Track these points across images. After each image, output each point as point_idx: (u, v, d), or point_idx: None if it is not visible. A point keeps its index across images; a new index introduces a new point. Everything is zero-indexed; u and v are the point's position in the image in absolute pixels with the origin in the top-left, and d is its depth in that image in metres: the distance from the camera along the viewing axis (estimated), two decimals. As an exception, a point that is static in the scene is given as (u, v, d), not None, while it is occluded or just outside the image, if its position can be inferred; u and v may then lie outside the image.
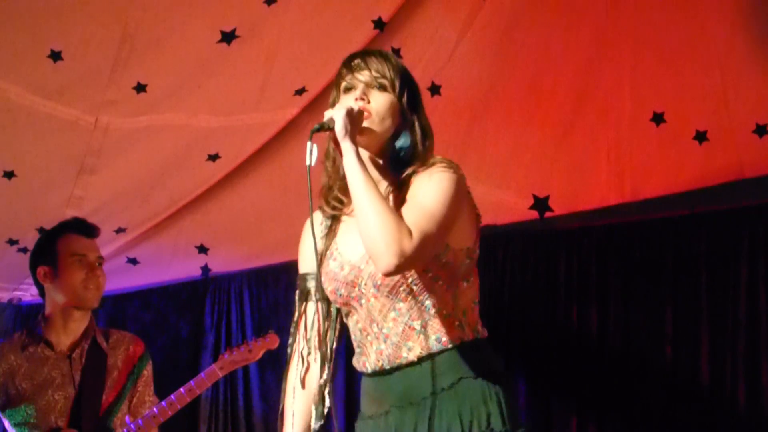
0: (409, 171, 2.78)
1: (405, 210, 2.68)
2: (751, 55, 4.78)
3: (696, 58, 4.89)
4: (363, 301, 2.76)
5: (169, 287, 6.46)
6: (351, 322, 2.84)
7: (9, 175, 5.11)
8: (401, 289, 2.72)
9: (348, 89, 2.81)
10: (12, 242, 5.67)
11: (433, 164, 2.78)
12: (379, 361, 2.76)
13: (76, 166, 5.21)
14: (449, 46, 4.94)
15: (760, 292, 4.96)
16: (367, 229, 2.61)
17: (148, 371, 4.41)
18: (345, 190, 2.76)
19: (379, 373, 2.77)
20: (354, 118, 2.69)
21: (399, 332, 2.73)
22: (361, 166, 2.64)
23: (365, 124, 2.74)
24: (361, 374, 2.88)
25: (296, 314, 3.00)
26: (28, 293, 6.43)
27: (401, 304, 2.73)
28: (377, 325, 2.76)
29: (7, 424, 4.21)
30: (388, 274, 2.63)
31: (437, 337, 2.72)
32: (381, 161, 2.83)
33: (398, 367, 2.73)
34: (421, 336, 2.72)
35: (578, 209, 5.41)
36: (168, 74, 4.86)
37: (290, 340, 3.00)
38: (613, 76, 5.04)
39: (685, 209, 5.20)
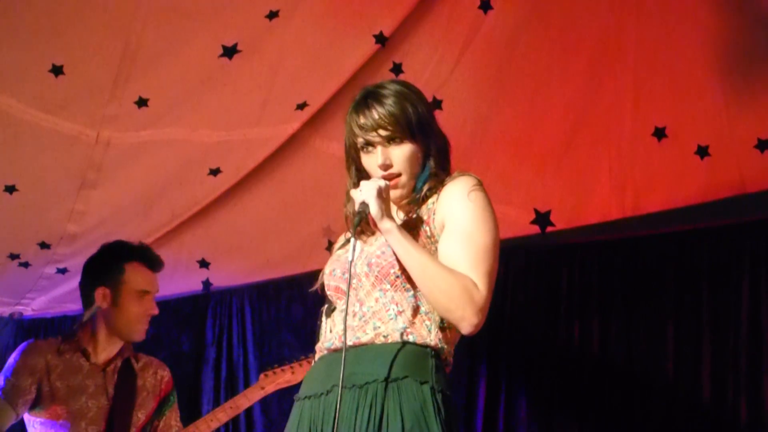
0: (426, 189, 2.89)
1: (454, 242, 2.77)
2: (753, 69, 4.79)
3: (697, 72, 4.89)
4: (354, 281, 2.80)
5: (171, 302, 6.44)
6: (337, 311, 2.89)
7: (10, 189, 5.11)
8: (392, 271, 2.78)
9: (365, 147, 2.89)
10: (13, 257, 5.66)
11: (458, 178, 2.87)
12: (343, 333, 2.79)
13: (78, 181, 5.21)
14: (451, 61, 4.95)
15: (761, 308, 4.94)
16: (437, 301, 2.73)
17: (174, 398, 4.44)
18: (368, 225, 2.87)
19: (337, 349, 2.79)
20: (385, 194, 2.78)
21: (375, 310, 2.78)
22: (407, 240, 2.74)
23: (398, 191, 2.87)
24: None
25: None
26: (29, 308, 6.42)
27: (388, 287, 2.79)
28: (360, 304, 2.80)
29: (31, 421, 4.20)
30: (474, 333, 2.73)
31: (404, 326, 2.76)
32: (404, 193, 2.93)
33: (354, 345, 2.74)
34: (391, 320, 2.76)
35: (580, 224, 5.40)
36: (169, 89, 4.86)
37: None
38: (614, 91, 5.04)
39: (687, 224, 5.19)
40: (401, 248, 2.73)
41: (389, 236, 2.73)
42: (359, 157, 2.92)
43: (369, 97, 2.89)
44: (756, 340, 4.93)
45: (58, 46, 4.51)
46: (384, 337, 2.74)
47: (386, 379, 2.69)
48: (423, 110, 2.89)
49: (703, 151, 4.99)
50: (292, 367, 4.83)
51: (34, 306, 6.41)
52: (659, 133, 5.01)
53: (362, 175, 2.93)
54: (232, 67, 4.73)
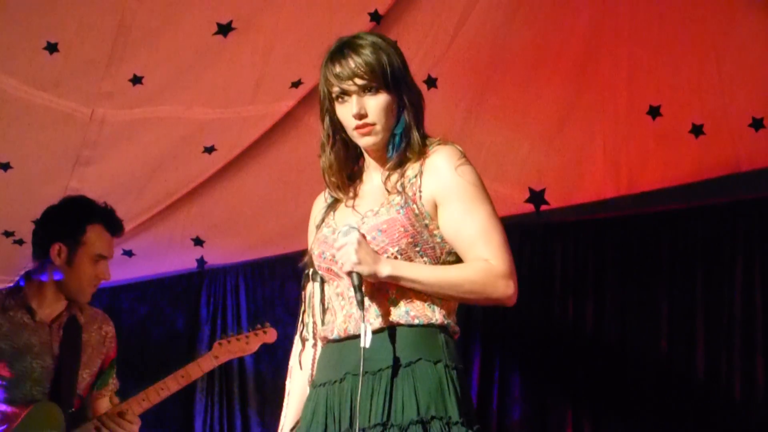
0: (404, 148, 2.84)
1: (459, 224, 2.77)
2: (748, 48, 4.79)
3: (692, 51, 4.89)
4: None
5: (165, 279, 6.45)
6: (330, 289, 2.86)
7: (5, 166, 5.10)
8: (384, 256, 2.74)
9: (340, 97, 2.85)
10: (7, 234, 5.65)
11: (440, 150, 2.84)
12: (345, 323, 2.78)
13: (72, 158, 5.21)
14: (446, 39, 4.94)
15: (755, 287, 4.97)
16: (469, 302, 2.80)
17: (115, 362, 4.38)
18: (343, 179, 2.89)
19: (343, 339, 2.78)
20: (364, 248, 2.70)
21: (374, 296, 2.76)
22: (410, 271, 2.72)
23: (371, 138, 2.82)
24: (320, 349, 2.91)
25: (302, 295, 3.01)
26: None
27: None
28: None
29: None
30: (515, 298, 2.77)
31: (407, 310, 2.75)
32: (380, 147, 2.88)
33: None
34: (392, 305, 2.75)
35: (574, 202, 5.41)
36: (164, 66, 4.85)
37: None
38: (609, 69, 5.04)
39: (681, 203, 5.20)
40: (410, 282, 2.72)
41: (392, 280, 2.71)
42: (333, 108, 2.89)
43: (345, 47, 2.87)
44: (749, 318, 4.95)
45: (52, 24, 4.49)
46: (390, 322, 2.73)
47: (399, 364, 2.69)
48: (398, 62, 2.86)
49: (697, 130, 5.00)
50: (247, 337, 4.79)
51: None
52: (654, 112, 5.01)
53: (336, 126, 2.90)
54: (226, 44, 4.72)
